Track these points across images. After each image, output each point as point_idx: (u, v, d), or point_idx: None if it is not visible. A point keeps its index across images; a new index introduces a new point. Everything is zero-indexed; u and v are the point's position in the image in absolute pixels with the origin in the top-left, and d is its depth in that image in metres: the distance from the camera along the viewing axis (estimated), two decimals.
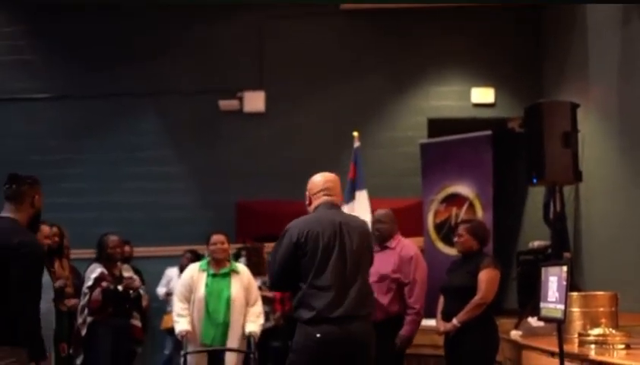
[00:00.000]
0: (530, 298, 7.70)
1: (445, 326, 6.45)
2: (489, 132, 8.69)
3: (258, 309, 7.11)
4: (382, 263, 6.46)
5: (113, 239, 7.47)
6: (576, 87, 9.17)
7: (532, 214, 10.32)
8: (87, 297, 7.27)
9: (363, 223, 5.20)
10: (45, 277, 6.52)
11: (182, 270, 8.87)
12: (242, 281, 7.09)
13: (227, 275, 7.05)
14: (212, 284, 6.98)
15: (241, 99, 11.07)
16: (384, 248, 6.72)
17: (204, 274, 7.04)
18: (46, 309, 6.37)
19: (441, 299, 6.73)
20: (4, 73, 11.17)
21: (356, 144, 9.03)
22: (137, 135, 11.03)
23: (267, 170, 10.47)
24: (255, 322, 7.02)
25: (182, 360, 6.76)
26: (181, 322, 6.91)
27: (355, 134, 9.07)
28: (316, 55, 11.00)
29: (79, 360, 7.65)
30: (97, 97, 11.04)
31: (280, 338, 8.79)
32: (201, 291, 6.94)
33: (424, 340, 8.03)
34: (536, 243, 8.99)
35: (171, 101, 11.09)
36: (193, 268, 7.16)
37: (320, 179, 5.01)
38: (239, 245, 9.35)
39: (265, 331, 7.87)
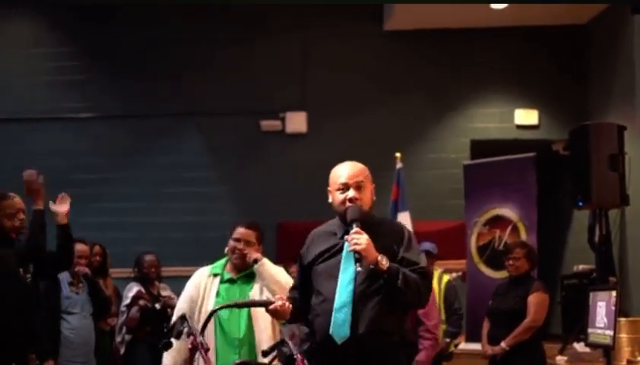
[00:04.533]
0: (575, 323, 7.58)
1: (492, 349, 6.38)
2: (532, 154, 8.58)
3: None
4: None
5: (149, 258, 7.49)
6: (622, 109, 9.06)
7: (576, 238, 10.17)
8: (125, 316, 7.29)
9: None
10: (81, 295, 6.59)
11: None
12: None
13: (249, 279, 5.05)
14: (227, 293, 4.99)
15: (283, 120, 11.08)
16: None
17: (216, 280, 5.07)
18: (81, 324, 6.41)
19: (486, 323, 6.66)
20: (50, 92, 11.27)
21: (399, 165, 8.99)
22: (180, 155, 11.07)
23: (309, 191, 10.37)
24: None
25: None
26: (166, 356, 4.86)
27: (397, 155, 9.03)
28: (359, 75, 10.97)
29: None
30: (141, 117, 11.09)
31: None
32: (209, 303, 4.92)
33: (467, 364, 7.94)
34: (580, 267, 8.87)
35: (213, 121, 11.11)
36: (201, 274, 5.14)
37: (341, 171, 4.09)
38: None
39: None
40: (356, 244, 3.78)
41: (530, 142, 10.23)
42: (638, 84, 8.64)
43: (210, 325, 4.65)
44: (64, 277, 6.35)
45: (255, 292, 4.94)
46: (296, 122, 11.04)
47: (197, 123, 11.17)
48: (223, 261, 5.12)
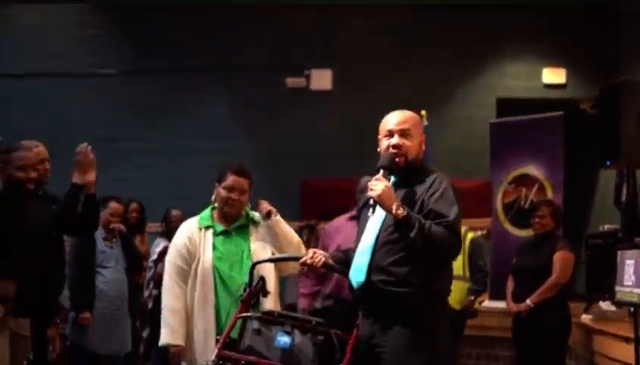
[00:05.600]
0: (600, 282, 7.55)
1: (517, 307, 6.39)
2: (560, 113, 8.50)
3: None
4: None
5: (176, 213, 7.51)
6: None
7: (602, 198, 10.12)
8: (152, 271, 7.34)
9: None
10: (115, 250, 6.65)
11: None
12: (265, 235, 4.76)
13: (244, 229, 4.74)
14: (223, 247, 4.64)
15: (308, 77, 11.05)
16: None
17: (209, 233, 4.69)
18: (115, 278, 6.48)
19: (511, 281, 6.66)
20: (75, 49, 11.28)
21: (425, 122, 8.94)
22: (206, 111, 11.08)
23: (333, 148, 10.42)
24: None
25: None
26: (173, 329, 4.51)
27: (423, 112, 8.98)
28: (384, 33, 10.89)
29: (145, 333, 7.76)
30: (167, 73, 11.09)
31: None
32: (207, 259, 4.58)
33: (490, 322, 7.96)
34: (606, 227, 8.81)
35: (239, 78, 11.09)
36: (189, 227, 4.74)
37: (390, 118, 4.02)
38: (302, 224, 9.31)
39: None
40: (372, 190, 3.75)
41: (557, 101, 10.15)
42: None
43: (210, 280, 4.51)
44: (98, 232, 6.40)
45: (256, 247, 4.66)
46: (322, 79, 11.01)
47: (223, 80, 11.16)
48: (208, 212, 4.77)
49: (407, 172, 3.89)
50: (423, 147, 3.98)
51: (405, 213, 3.70)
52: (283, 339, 4.00)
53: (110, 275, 6.44)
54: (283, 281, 8.76)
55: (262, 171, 10.90)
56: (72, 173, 4.86)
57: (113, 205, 6.63)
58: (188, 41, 11.06)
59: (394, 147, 3.90)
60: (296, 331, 4.01)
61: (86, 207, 4.89)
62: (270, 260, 4.47)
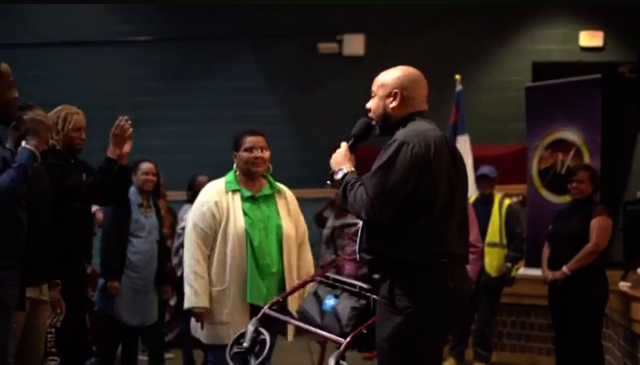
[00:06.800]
0: (638, 250, 7.41)
1: (553, 274, 6.26)
2: (598, 76, 8.28)
3: (310, 256, 4.90)
4: None
5: (202, 179, 7.40)
6: None
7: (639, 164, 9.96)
8: (181, 238, 7.24)
9: None
10: (151, 218, 6.54)
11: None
12: (290, 207, 4.81)
13: (270, 198, 4.74)
14: (253, 212, 4.62)
15: (340, 43, 10.91)
16: None
17: (237, 198, 4.64)
18: (145, 249, 6.38)
19: (546, 248, 6.53)
20: (104, 16, 11.23)
21: (458, 87, 8.80)
22: (236, 78, 10.98)
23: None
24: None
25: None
26: (198, 292, 4.52)
27: (457, 77, 8.84)
28: None
29: (173, 301, 7.74)
30: (197, 39, 11.01)
31: None
32: (239, 224, 4.53)
33: (526, 289, 7.86)
34: None
35: (270, 44, 10.98)
36: (215, 189, 4.70)
37: (422, 80, 3.77)
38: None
39: None
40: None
41: (594, 65, 9.93)
42: None
43: (244, 247, 4.51)
44: (134, 199, 6.34)
45: (282, 213, 4.71)
46: (354, 44, 10.88)
47: (252, 46, 11.07)
48: (232, 175, 4.74)
49: (383, 132, 3.72)
50: (390, 105, 3.68)
51: (342, 176, 3.59)
52: (330, 302, 4.14)
53: (141, 245, 6.35)
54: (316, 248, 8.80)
55: (294, 137, 10.89)
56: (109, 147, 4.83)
57: (144, 166, 6.52)
58: (219, 7, 10.94)
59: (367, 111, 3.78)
60: (344, 295, 4.13)
61: (117, 178, 4.85)
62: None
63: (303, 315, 4.24)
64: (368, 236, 3.59)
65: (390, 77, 3.74)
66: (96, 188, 4.84)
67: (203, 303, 4.52)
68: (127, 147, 4.86)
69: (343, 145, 3.73)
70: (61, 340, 4.79)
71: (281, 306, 4.42)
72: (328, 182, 3.70)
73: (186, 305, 4.59)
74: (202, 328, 4.61)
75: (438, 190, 3.47)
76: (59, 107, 5.10)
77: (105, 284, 6.21)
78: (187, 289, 4.57)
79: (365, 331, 3.94)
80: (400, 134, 3.55)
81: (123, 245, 6.27)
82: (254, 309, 4.48)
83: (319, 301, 4.20)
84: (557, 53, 10.66)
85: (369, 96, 3.82)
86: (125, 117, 4.86)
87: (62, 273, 4.55)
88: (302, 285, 4.49)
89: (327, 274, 4.39)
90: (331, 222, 8.56)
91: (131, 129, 4.85)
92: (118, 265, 6.23)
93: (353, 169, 3.64)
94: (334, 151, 3.74)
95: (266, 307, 4.29)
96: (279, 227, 4.63)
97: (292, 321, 4.38)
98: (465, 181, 3.71)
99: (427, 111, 3.74)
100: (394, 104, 3.67)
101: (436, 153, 3.48)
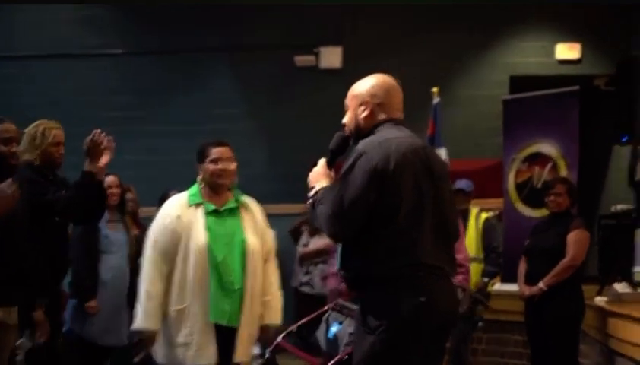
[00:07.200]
0: (613, 264, 7.40)
1: (530, 290, 6.21)
2: (576, 88, 8.25)
3: (276, 275, 4.67)
4: None
5: (173, 195, 7.27)
6: None
7: (615, 177, 9.95)
8: None
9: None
10: (120, 233, 6.42)
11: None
12: (255, 222, 4.58)
13: (235, 212, 4.53)
14: (217, 227, 4.41)
15: (317, 55, 10.87)
16: None
17: (200, 212, 4.44)
18: (117, 265, 6.24)
19: (523, 263, 6.49)
20: (77, 29, 11.15)
21: (435, 100, 8.76)
22: (212, 91, 10.92)
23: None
24: (276, 306, 4.52)
25: None
26: (149, 314, 4.33)
27: (434, 90, 8.81)
28: (395, 9, 10.68)
29: None
30: (174, 53, 10.93)
31: None
32: (201, 239, 4.32)
33: (502, 305, 7.80)
34: (619, 207, 8.65)
35: (245, 57, 10.92)
36: (177, 202, 4.50)
37: (395, 87, 3.73)
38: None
39: None
40: None
41: (571, 78, 9.93)
42: None
43: (205, 263, 4.28)
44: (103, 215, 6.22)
45: (247, 227, 4.48)
46: (331, 57, 10.84)
47: (228, 59, 11.01)
48: (196, 188, 4.54)
49: (356, 143, 3.62)
50: (361, 116, 3.65)
51: (311, 194, 3.55)
52: (333, 329, 4.28)
53: (113, 262, 6.21)
54: (290, 264, 8.73)
55: (270, 151, 10.82)
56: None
57: (107, 179, 6.30)
58: (195, 20, 10.88)
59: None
60: (347, 321, 4.23)
61: (94, 193, 4.78)
62: None
63: (315, 342, 4.37)
64: (342, 253, 3.51)
65: (361, 87, 3.72)
66: (73, 202, 4.75)
67: (152, 325, 4.32)
68: (104, 160, 4.81)
69: (321, 162, 3.67)
70: (34, 362, 4.68)
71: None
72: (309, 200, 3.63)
73: (135, 326, 4.37)
74: (149, 350, 4.42)
75: (401, 198, 3.34)
76: (37, 122, 5.07)
77: (78, 304, 6.04)
78: (138, 308, 4.34)
79: (347, 357, 3.96)
80: (361, 143, 3.51)
81: (94, 263, 6.12)
82: (219, 330, 4.30)
83: (327, 328, 4.32)
84: (534, 66, 10.65)
85: (345, 109, 3.78)
86: (99, 130, 4.80)
87: (39, 293, 4.45)
88: (320, 314, 4.55)
89: (338, 301, 4.48)
90: (305, 239, 8.68)
91: (106, 142, 4.80)
92: (92, 282, 6.08)
93: (328, 185, 3.56)
94: (313, 168, 3.69)
95: (280, 337, 4.33)
96: (243, 242, 4.40)
97: (301, 353, 4.54)
98: (446, 189, 3.58)
99: (401, 119, 3.67)
100: (365, 114, 3.63)
101: (399, 161, 3.37)
